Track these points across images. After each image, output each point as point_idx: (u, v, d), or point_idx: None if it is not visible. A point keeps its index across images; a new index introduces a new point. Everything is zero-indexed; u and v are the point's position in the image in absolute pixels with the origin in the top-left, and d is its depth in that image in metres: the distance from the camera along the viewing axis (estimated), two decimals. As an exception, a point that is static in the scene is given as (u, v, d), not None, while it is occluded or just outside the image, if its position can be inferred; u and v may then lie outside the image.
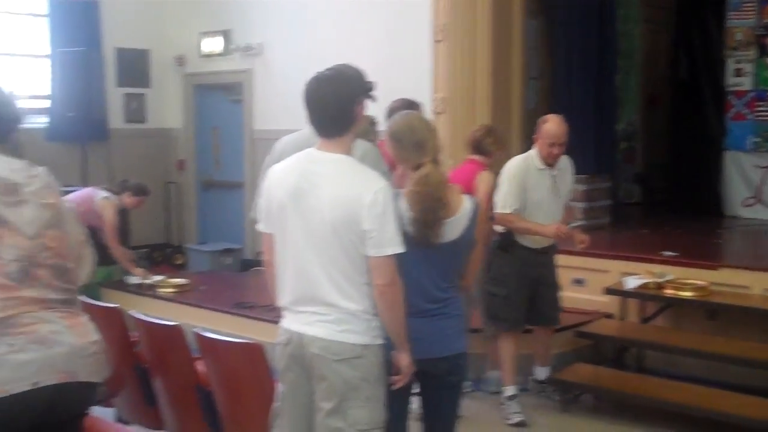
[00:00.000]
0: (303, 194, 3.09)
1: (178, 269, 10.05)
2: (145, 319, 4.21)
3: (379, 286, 3.06)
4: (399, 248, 3.06)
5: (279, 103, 9.39)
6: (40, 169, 2.77)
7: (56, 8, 10.33)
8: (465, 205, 3.45)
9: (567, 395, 5.81)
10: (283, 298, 3.22)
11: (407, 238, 3.29)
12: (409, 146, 3.45)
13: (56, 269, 2.68)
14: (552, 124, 5.41)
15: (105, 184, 7.85)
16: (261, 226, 3.27)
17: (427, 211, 3.33)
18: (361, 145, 3.70)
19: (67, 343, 2.63)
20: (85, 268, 2.88)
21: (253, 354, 3.56)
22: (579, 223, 5.79)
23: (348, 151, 3.17)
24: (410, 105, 5.18)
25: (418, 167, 3.39)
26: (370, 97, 3.26)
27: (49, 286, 2.65)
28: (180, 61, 11.07)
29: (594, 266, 6.88)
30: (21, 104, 2.82)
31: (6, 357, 2.51)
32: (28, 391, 2.53)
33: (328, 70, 3.18)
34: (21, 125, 2.83)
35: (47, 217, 2.68)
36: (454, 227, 3.39)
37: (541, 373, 5.90)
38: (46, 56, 10.24)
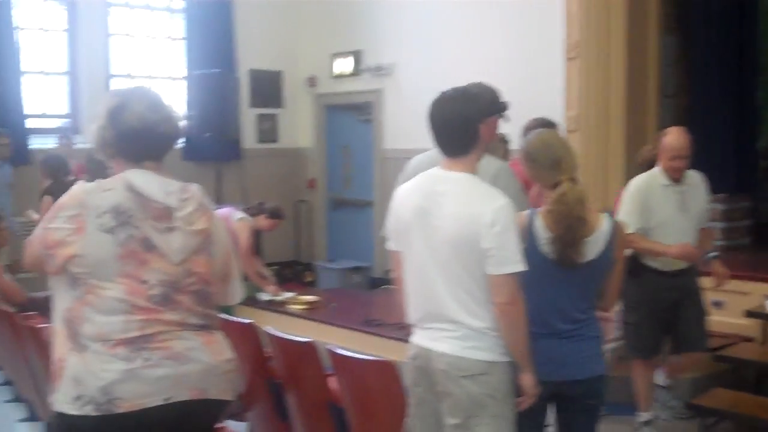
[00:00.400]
0: (426, 213, 3.09)
1: (307, 286, 10.15)
2: (279, 335, 4.24)
3: (499, 305, 3.02)
4: (520, 267, 3.01)
5: (409, 122, 9.39)
6: (194, 190, 2.76)
7: (193, 32, 10.67)
8: (603, 224, 3.37)
9: (706, 421, 5.59)
10: (412, 315, 3.23)
11: (543, 258, 3.25)
12: (545, 165, 3.39)
13: (198, 295, 2.69)
14: (672, 137, 5.14)
15: (239, 203, 8.01)
16: (390, 244, 3.29)
17: (566, 230, 3.26)
18: (493, 163, 3.65)
19: (201, 360, 2.65)
20: (233, 286, 2.88)
21: (387, 371, 3.54)
22: (715, 253, 5.46)
23: (472, 170, 3.14)
24: (546, 124, 5.05)
25: (554, 186, 3.33)
26: (501, 116, 3.21)
27: (189, 311, 2.66)
28: (311, 81, 11.24)
29: (734, 288, 6.59)
30: (181, 122, 2.82)
31: (141, 371, 2.55)
32: (161, 405, 2.56)
33: (454, 89, 3.17)
34: (177, 144, 2.84)
35: (195, 244, 2.68)
36: (592, 247, 3.31)
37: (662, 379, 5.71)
38: (183, 78, 10.56)
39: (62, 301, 2.63)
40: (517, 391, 3.16)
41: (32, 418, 5.60)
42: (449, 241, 3.03)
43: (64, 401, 2.56)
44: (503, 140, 6.19)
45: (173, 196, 2.68)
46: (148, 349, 2.56)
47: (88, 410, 2.51)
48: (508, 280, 3.00)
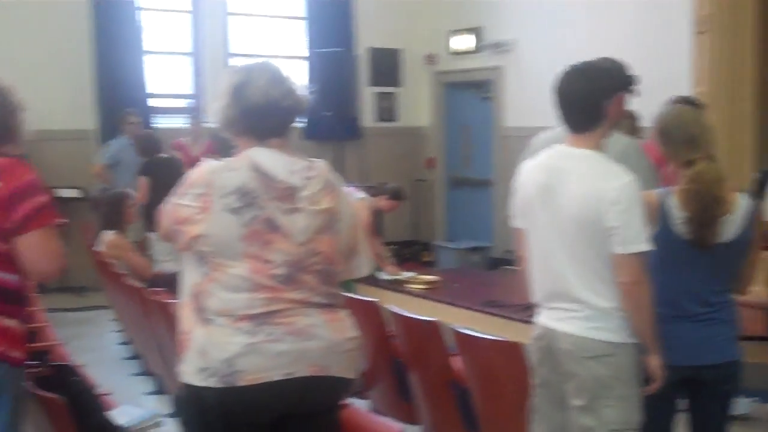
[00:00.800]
0: (550, 191, 3.03)
1: (425, 266, 10.13)
2: (403, 313, 4.23)
3: (623, 284, 2.94)
4: (645, 246, 2.92)
5: (530, 100, 9.26)
6: (320, 167, 2.73)
7: (313, 11, 10.75)
8: (740, 204, 3.23)
9: None
10: (536, 294, 3.18)
11: (677, 239, 3.14)
12: (679, 142, 3.27)
13: (322, 274, 2.68)
14: None
15: (358, 182, 8.04)
16: (513, 222, 3.24)
17: (702, 210, 3.14)
18: (621, 140, 3.55)
19: (323, 337, 2.64)
20: (359, 260, 2.87)
21: (512, 352, 3.50)
22: None
23: (597, 147, 3.05)
24: (690, 104, 4.85)
25: (689, 164, 3.21)
26: (630, 91, 3.12)
27: (313, 290, 2.65)
28: (430, 59, 11.19)
29: None
30: (303, 95, 2.76)
31: (264, 345, 2.56)
32: (282, 380, 2.57)
33: (581, 63, 3.10)
34: (301, 117, 2.81)
35: (319, 224, 2.66)
36: (729, 227, 3.18)
37: None
38: (303, 57, 10.64)
39: (190, 275, 2.66)
40: (644, 374, 3.07)
41: (160, 391, 5.74)
42: (574, 219, 2.97)
43: (190, 372, 2.60)
44: (632, 117, 6.00)
45: (297, 174, 2.66)
46: (271, 324, 2.57)
47: (213, 382, 2.54)
48: (633, 259, 2.92)
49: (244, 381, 2.54)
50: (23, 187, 2.89)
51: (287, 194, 2.62)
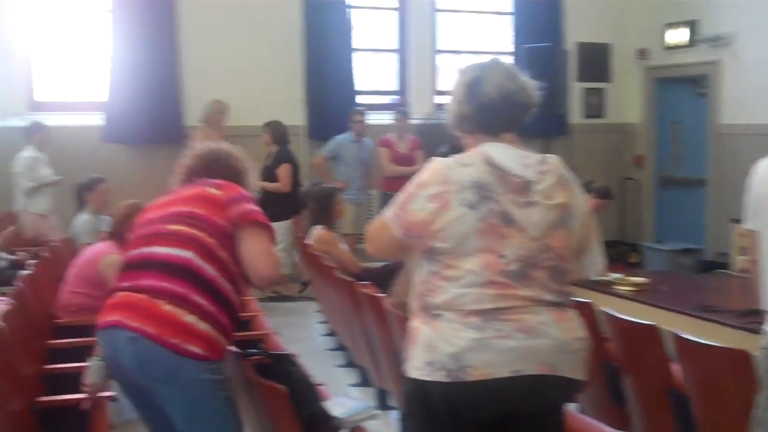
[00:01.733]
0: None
1: (632, 268, 9.84)
2: (619, 316, 4.09)
3: None
4: None
5: (750, 96, 8.84)
6: (553, 162, 2.72)
7: (520, 6, 10.68)
8: None
9: None
10: (767, 301, 2.95)
11: None
12: None
13: (554, 271, 2.64)
14: None
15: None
16: (746, 224, 3.04)
17: None
18: None
19: (552, 335, 2.59)
20: (590, 260, 2.81)
21: (739, 360, 3.30)
22: None
23: None
24: None
25: None
26: None
27: (544, 288, 2.62)
28: (642, 54, 10.87)
29: None
30: (535, 91, 2.75)
31: (492, 341, 2.54)
32: (509, 377, 2.54)
33: None
34: (533, 112, 2.79)
35: (553, 219, 2.63)
36: None
37: None
38: (510, 53, 10.55)
39: (418, 273, 2.67)
40: None
41: (364, 383, 5.80)
42: None
43: (416, 367, 2.61)
44: None
45: (531, 168, 2.65)
46: (500, 320, 2.55)
47: (439, 376, 2.54)
48: None
49: (471, 376, 2.52)
50: (239, 196, 3.18)
51: (522, 188, 2.61)
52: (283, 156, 8.70)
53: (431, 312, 2.61)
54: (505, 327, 2.55)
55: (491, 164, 2.61)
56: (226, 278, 3.05)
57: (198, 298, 2.96)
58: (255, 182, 3.52)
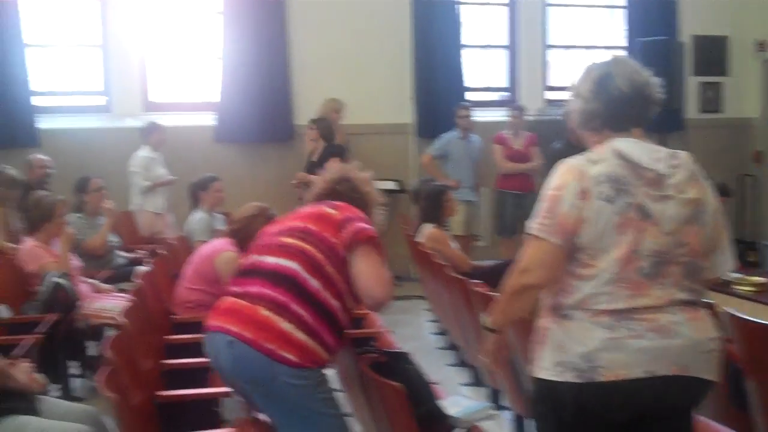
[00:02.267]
0: None
1: (750, 267, 9.53)
2: (744, 317, 3.94)
3: None
4: None
5: None
6: (684, 157, 2.68)
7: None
8: None
9: None
10: None
11: None
12: None
13: (687, 267, 2.60)
14: None
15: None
16: None
17: None
18: None
19: (686, 335, 2.55)
20: (722, 257, 2.72)
21: None
22: None
23: None
24: None
25: None
26: None
27: (676, 285, 2.57)
28: (762, 46, 10.55)
29: None
30: (658, 87, 2.73)
31: (625, 341, 2.51)
32: (642, 378, 2.51)
33: None
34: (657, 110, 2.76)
35: (686, 214, 2.60)
36: None
37: None
38: (623, 48, 10.34)
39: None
40: None
41: (476, 383, 5.75)
42: None
43: (545, 367, 2.61)
44: None
45: (662, 162, 2.62)
46: (633, 320, 2.53)
47: (569, 377, 2.53)
48: None
49: (603, 377, 2.50)
50: (354, 216, 3.25)
51: (655, 181, 2.59)
52: (332, 150, 8.62)
53: (561, 312, 2.59)
54: (638, 326, 2.52)
55: (623, 158, 2.59)
56: (331, 293, 3.09)
57: (298, 308, 3.01)
58: (380, 214, 3.60)
